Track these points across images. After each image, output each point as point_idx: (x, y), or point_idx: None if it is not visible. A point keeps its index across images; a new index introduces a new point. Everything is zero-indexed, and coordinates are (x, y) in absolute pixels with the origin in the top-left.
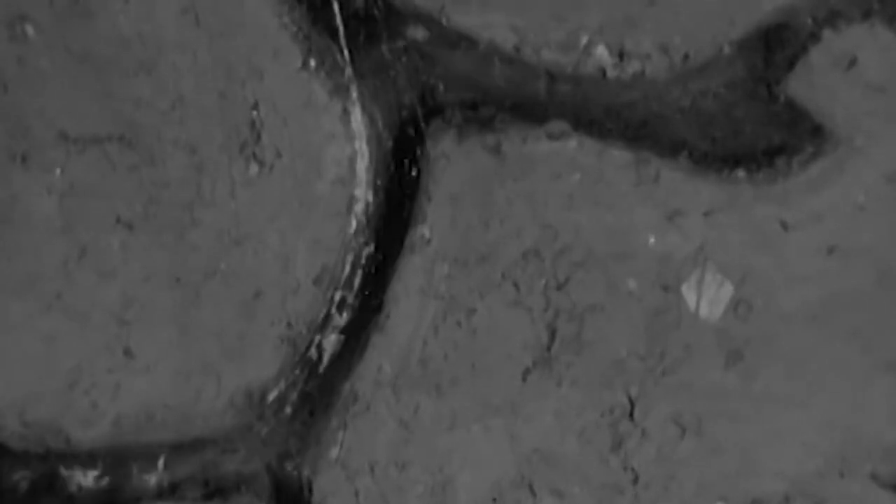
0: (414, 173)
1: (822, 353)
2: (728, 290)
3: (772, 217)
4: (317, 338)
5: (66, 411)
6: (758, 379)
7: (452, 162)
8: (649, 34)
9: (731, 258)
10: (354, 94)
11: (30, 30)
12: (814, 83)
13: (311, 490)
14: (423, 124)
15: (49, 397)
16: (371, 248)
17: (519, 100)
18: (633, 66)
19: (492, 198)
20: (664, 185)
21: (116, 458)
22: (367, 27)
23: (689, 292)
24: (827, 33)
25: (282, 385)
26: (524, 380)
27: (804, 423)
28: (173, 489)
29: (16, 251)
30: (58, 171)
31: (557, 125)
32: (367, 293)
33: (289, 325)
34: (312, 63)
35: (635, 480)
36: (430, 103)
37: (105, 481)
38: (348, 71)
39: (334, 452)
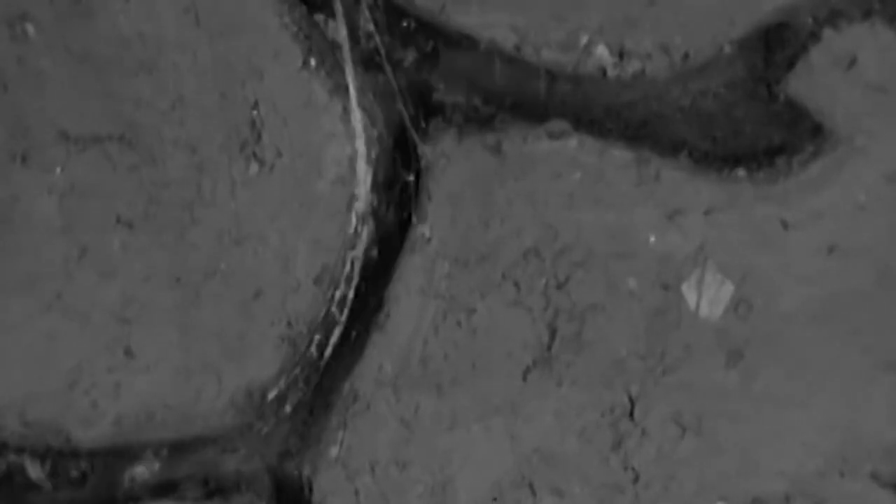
0: (414, 173)
1: (823, 352)
2: (728, 290)
3: (772, 216)
4: (317, 337)
5: (67, 411)
6: (758, 378)
7: (453, 161)
8: (649, 34)
9: (732, 258)
10: (354, 94)
11: (30, 29)
12: (814, 83)
13: (311, 489)
14: (423, 124)
15: (49, 397)
16: (371, 247)
17: (519, 99)
18: (633, 66)
19: (492, 197)
20: (664, 185)
21: (117, 458)
22: (368, 27)
23: (689, 292)
24: (827, 33)
25: (282, 384)
26: (524, 379)
27: (804, 422)
28: (173, 488)
29: (16, 251)
30: (58, 170)
31: (558, 125)
32: (367, 293)
33: (289, 324)
34: (312, 63)
35: (636, 480)
36: (430, 103)
37: (105, 480)
38: (348, 70)
39: (334, 452)
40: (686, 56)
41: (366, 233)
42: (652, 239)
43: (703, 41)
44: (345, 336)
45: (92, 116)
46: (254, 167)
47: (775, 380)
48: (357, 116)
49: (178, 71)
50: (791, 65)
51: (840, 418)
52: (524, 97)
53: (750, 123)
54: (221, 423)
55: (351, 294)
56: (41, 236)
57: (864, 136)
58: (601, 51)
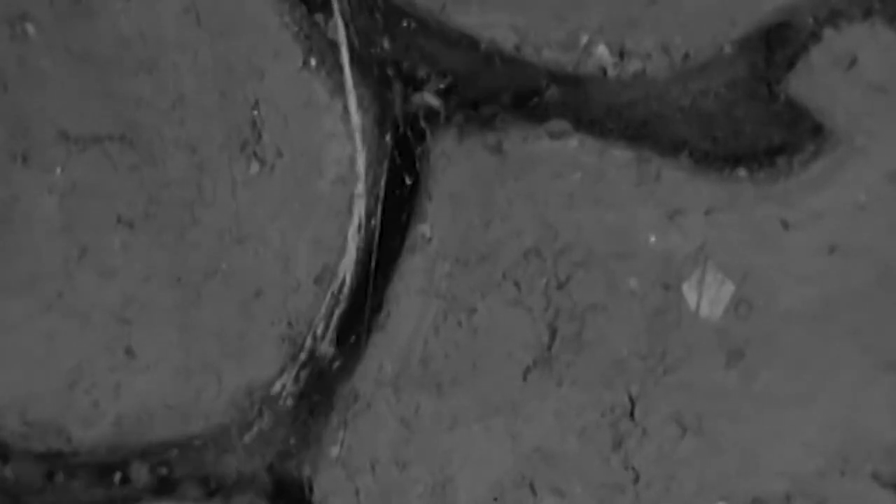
0: (414, 173)
1: (823, 352)
2: (729, 290)
3: (772, 216)
4: (317, 337)
5: (67, 411)
6: (758, 378)
7: (453, 161)
8: (650, 33)
9: (732, 257)
10: (355, 94)
11: (30, 29)
12: (814, 83)
13: (311, 489)
14: (423, 123)
15: (50, 397)
16: (372, 247)
17: (519, 99)
18: (633, 66)
19: (492, 197)
20: (665, 185)
21: (117, 457)
22: (368, 26)
23: (689, 292)
24: (828, 33)
25: (282, 384)
26: (525, 379)
27: (805, 422)
28: (174, 488)
29: (16, 251)
30: (58, 170)
31: (558, 124)
32: (367, 292)
33: (289, 324)
34: (313, 62)
35: (636, 480)
36: (430, 103)
37: (105, 480)
38: (347, 70)
39: (335, 451)
40: (686, 56)
41: (366, 233)
42: (652, 239)
43: (703, 41)
44: (345, 336)
45: (92, 116)
46: (254, 167)
47: (775, 380)
48: (357, 116)
49: (179, 71)
50: (791, 64)
51: (840, 418)
52: (524, 97)
53: (750, 123)
54: (221, 422)
55: (351, 294)
56: (41, 236)
57: (864, 136)
58: (601, 51)
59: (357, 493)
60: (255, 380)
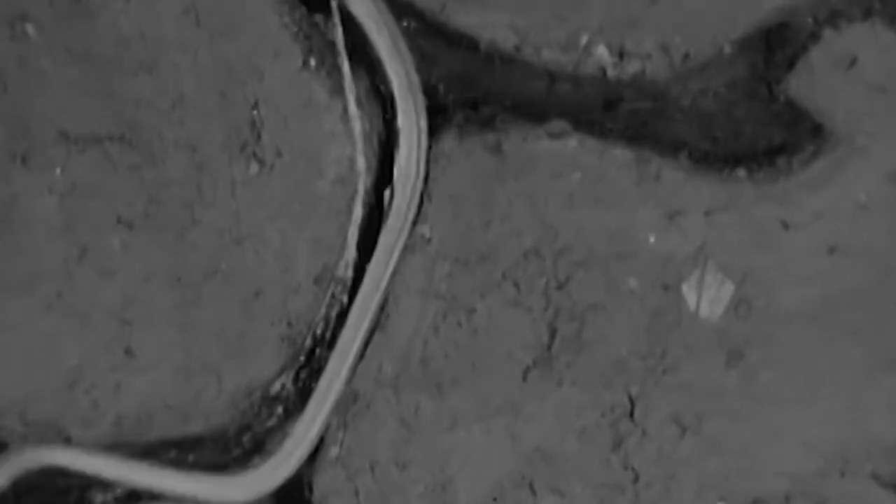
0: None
1: (823, 352)
2: (729, 290)
3: (772, 217)
4: (317, 337)
5: (67, 411)
6: (758, 378)
7: (453, 161)
8: (650, 34)
9: (732, 258)
10: (354, 94)
11: (30, 29)
12: (814, 83)
13: (311, 489)
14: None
15: (50, 397)
16: (371, 247)
17: (519, 99)
18: (633, 66)
19: (492, 197)
20: (665, 185)
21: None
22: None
23: (689, 292)
24: (827, 33)
25: (282, 384)
26: (525, 379)
27: (805, 422)
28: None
29: (16, 251)
30: (58, 170)
31: (558, 124)
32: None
33: (289, 324)
34: (313, 63)
35: (636, 480)
36: (430, 103)
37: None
38: (346, 70)
39: (334, 452)
40: (686, 56)
41: (366, 232)
42: (652, 239)
43: (703, 41)
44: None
45: (92, 116)
46: (254, 167)
47: (775, 380)
48: (356, 117)
49: (179, 71)
50: (791, 65)
51: (840, 418)
52: (524, 97)
53: (750, 123)
54: (221, 422)
55: (351, 294)
56: (41, 236)
57: (864, 136)
58: (601, 51)
59: (357, 493)
60: (255, 379)
